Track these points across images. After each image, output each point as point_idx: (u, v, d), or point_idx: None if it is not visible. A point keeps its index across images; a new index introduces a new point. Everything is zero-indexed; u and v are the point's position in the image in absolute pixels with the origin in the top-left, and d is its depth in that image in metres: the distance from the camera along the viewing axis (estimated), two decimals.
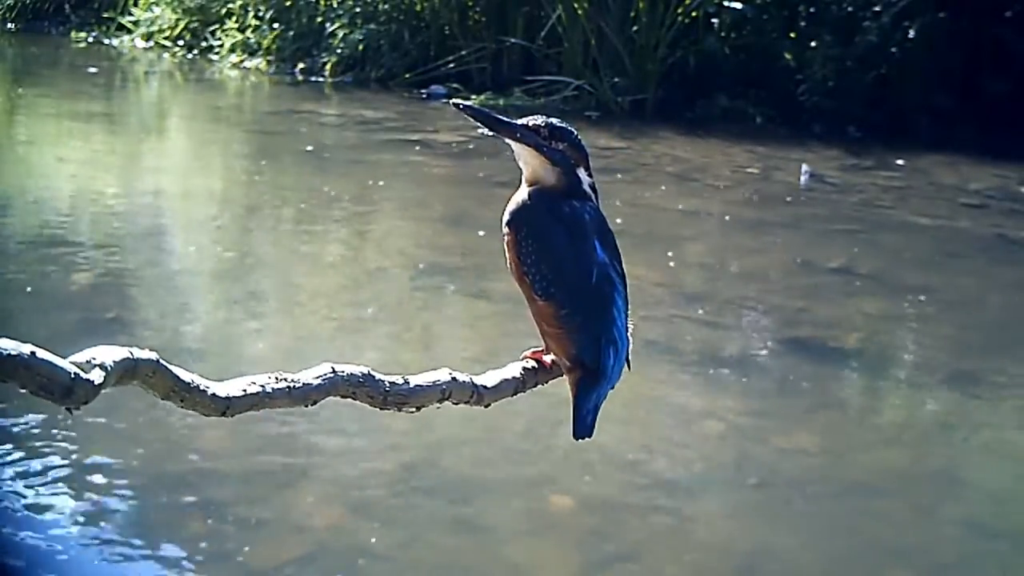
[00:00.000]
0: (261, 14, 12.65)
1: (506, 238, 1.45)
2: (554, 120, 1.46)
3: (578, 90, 10.72)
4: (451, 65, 11.44)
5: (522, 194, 1.47)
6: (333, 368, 1.23)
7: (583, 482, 3.80)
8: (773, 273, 6.24)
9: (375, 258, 6.22)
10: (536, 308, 1.43)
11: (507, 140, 1.46)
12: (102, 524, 3.30)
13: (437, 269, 5.88)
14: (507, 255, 1.45)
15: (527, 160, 1.46)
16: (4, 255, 5.79)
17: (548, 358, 1.47)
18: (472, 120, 1.44)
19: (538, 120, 1.45)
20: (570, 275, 1.42)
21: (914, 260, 6.60)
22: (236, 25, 12.90)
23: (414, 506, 3.57)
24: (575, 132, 1.47)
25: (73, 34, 14.38)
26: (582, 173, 1.47)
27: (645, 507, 3.67)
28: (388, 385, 1.28)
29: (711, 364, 4.84)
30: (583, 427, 1.39)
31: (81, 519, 3.31)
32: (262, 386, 1.17)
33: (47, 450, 3.65)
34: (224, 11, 13.13)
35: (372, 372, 1.27)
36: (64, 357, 0.98)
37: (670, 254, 6.43)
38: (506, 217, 1.46)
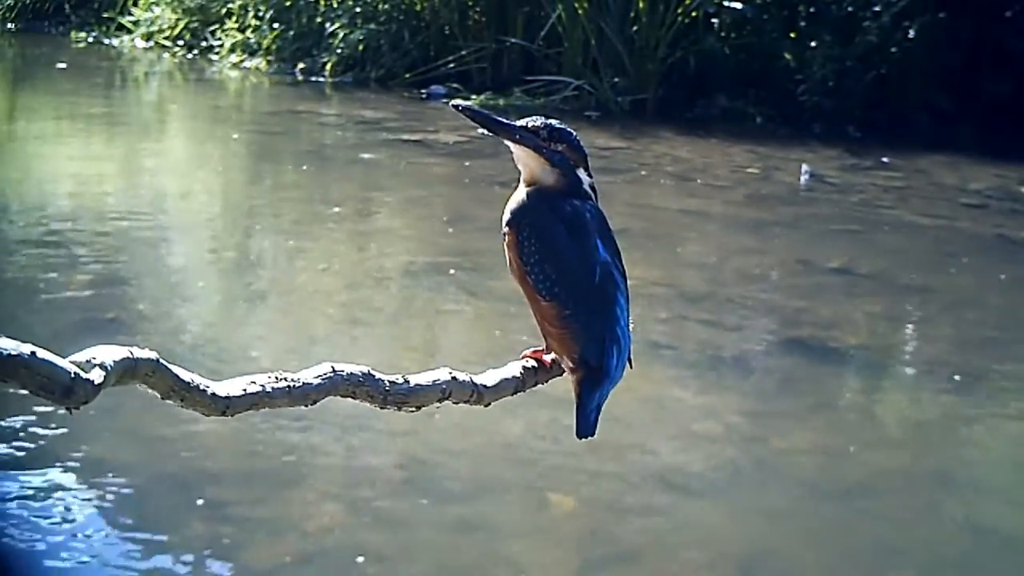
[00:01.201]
0: (261, 14, 12.63)
1: (507, 238, 1.45)
2: (553, 121, 1.46)
3: (578, 90, 10.72)
4: (451, 65, 11.44)
5: (521, 194, 1.47)
6: (333, 367, 1.23)
7: (583, 482, 3.80)
8: (773, 273, 6.25)
9: (375, 258, 6.23)
10: (539, 308, 1.42)
11: (506, 141, 1.46)
12: (101, 524, 3.30)
13: (437, 269, 5.88)
14: (508, 255, 1.45)
15: (526, 161, 1.46)
16: (4, 255, 5.79)
17: (548, 357, 1.47)
18: (471, 121, 1.44)
19: (537, 121, 1.45)
20: (573, 275, 1.42)
21: (914, 260, 6.60)
22: (236, 25, 12.89)
23: (414, 506, 3.57)
24: (574, 133, 1.47)
25: (73, 34, 14.37)
26: (582, 173, 1.47)
27: (645, 507, 3.68)
28: (388, 384, 1.28)
29: (711, 364, 4.84)
30: (586, 426, 1.39)
31: (80, 519, 3.31)
32: (262, 386, 1.17)
33: (47, 450, 3.65)
34: (224, 11, 13.12)
35: (372, 371, 1.27)
36: (64, 357, 0.98)
37: (670, 254, 6.43)
38: (506, 217, 1.46)
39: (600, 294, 1.43)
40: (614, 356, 1.41)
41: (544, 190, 1.45)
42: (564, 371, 1.45)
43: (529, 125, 1.45)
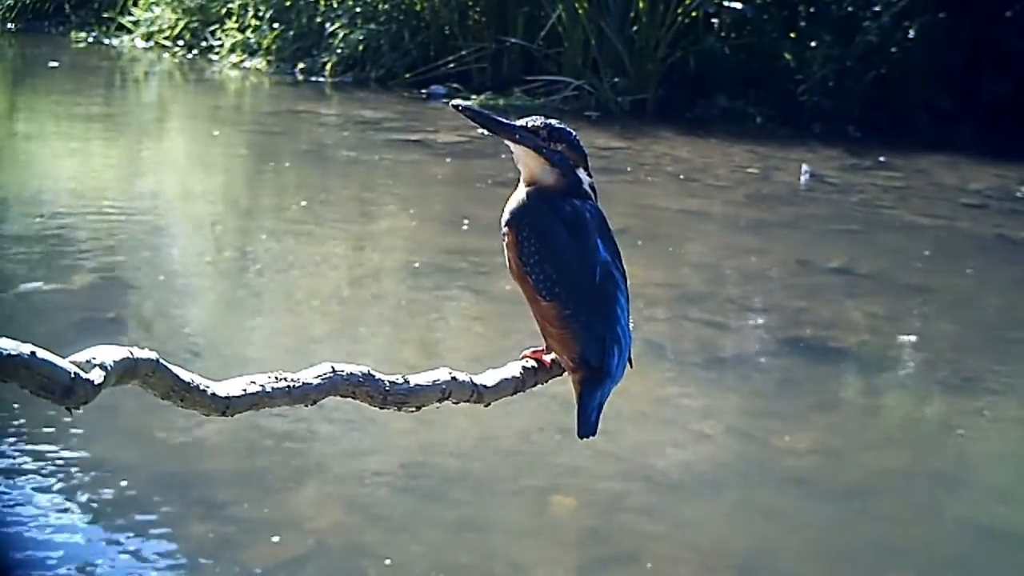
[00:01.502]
0: (261, 14, 12.64)
1: (506, 238, 1.45)
2: (553, 121, 1.46)
3: (578, 90, 10.72)
4: (451, 65, 11.44)
5: (521, 194, 1.47)
6: (333, 367, 1.23)
7: (584, 482, 3.80)
8: (773, 273, 6.24)
9: (375, 258, 6.23)
10: (539, 308, 1.42)
11: (506, 141, 1.46)
12: (101, 524, 3.30)
13: (437, 269, 5.88)
14: (507, 255, 1.45)
15: (526, 161, 1.46)
16: (4, 255, 5.79)
17: (548, 357, 1.47)
18: (471, 121, 1.44)
19: (537, 121, 1.45)
20: (574, 274, 1.42)
21: (914, 260, 6.60)
22: (236, 25, 12.89)
23: (414, 506, 3.57)
24: (574, 133, 1.47)
25: (73, 34, 14.37)
26: (582, 173, 1.47)
27: (645, 507, 3.67)
28: (388, 384, 1.28)
29: (711, 364, 4.84)
30: (587, 426, 1.39)
31: (80, 519, 3.31)
32: (262, 386, 1.17)
33: (47, 450, 3.65)
34: (224, 11, 13.12)
35: (372, 371, 1.27)
36: (64, 357, 0.98)
37: (670, 254, 6.43)
38: (506, 217, 1.46)
39: (600, 294, 1.42)
40: (615, 356, 1.41)
41: (544, 190, 1.45)
42: (564, 371, 1.45)
43: (529, 125, 1.45)
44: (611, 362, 1.40)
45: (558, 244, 1.42)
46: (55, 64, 12.35)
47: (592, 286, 1.42)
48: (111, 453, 3.71)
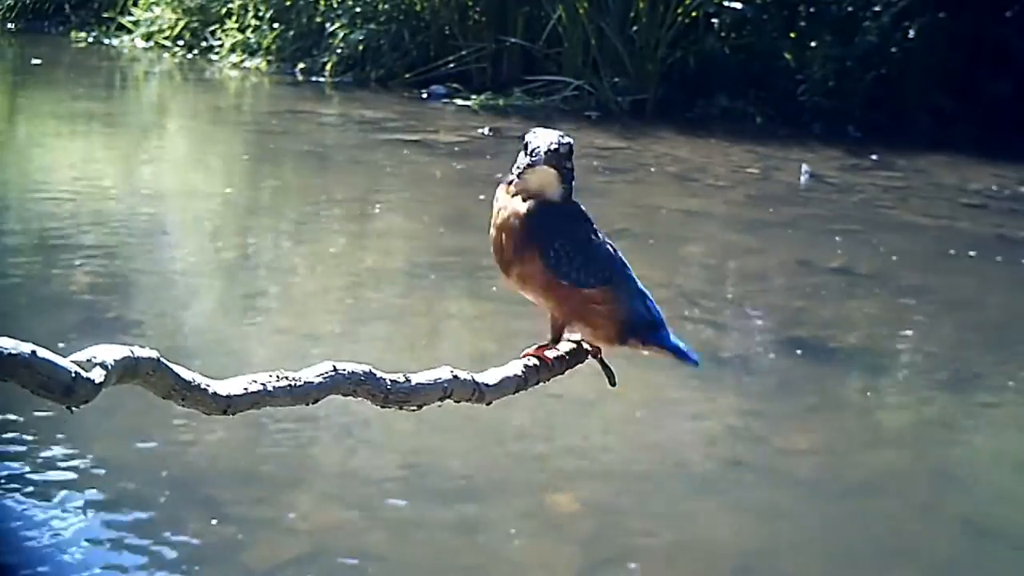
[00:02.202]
0: (261, 14, 12.63)
1: (524, 255, 1.45)
2: (568, 139, 1.46)
3: (578, 90, 10.72)
4: (451, 65, 11.44)
5: (531, 208, 1.47)
6: (334, 366, 1.23)
7: (584, 482, 3.79)
8: (773, 273, 6.24)
9: (375, 258, 6.22)
10: (580, 297, 1.45)
11: (537, 168, 1.46)
12: (101, 524, 3.30)
13: (437, 269, 5.88)
14: (523, 270, 1.46)
15: (547, 181, 1.45)
16: (4, 255, 5.78)
17: (551, 354, 1.47)
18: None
19: (561, 142, 1.44)
20: (611, 259, 1.50)
21: (914, 260, 6.60)
22: (236, 25, 12.89)
23: (414, 506, 3.56)
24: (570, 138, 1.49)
25: (73, 34, 14.36)
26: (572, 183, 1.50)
27: (645, 507, 3.67)
28: (389, 383, 1.28)
29: (711, 364, 4.83)
30: (692, 354, 1.54)
31: (80, 519, 3.31)
32: (263, 384, 1.17)
33: (46, 449, 3.64)
34: (224, 11, 13.11)
35: (373, 370, 1.27)
36: (65, 356, 0.98)
37: (670, 254, 6.43)
38: (524, 237, 1.46)
39: (628, 272, 1.52)
40: (660, 313, 1.52)
41: (547, 202, 1.46)
42: (567, 369, 1.46)
43: (557, 148, 1.44)
44: (660, 316, 1.51)
45: (590, 244, 1.47)
46: (38, 61, 12.31)
47: (623, 265, 1.51)
48: (111, 452, 3.71)
